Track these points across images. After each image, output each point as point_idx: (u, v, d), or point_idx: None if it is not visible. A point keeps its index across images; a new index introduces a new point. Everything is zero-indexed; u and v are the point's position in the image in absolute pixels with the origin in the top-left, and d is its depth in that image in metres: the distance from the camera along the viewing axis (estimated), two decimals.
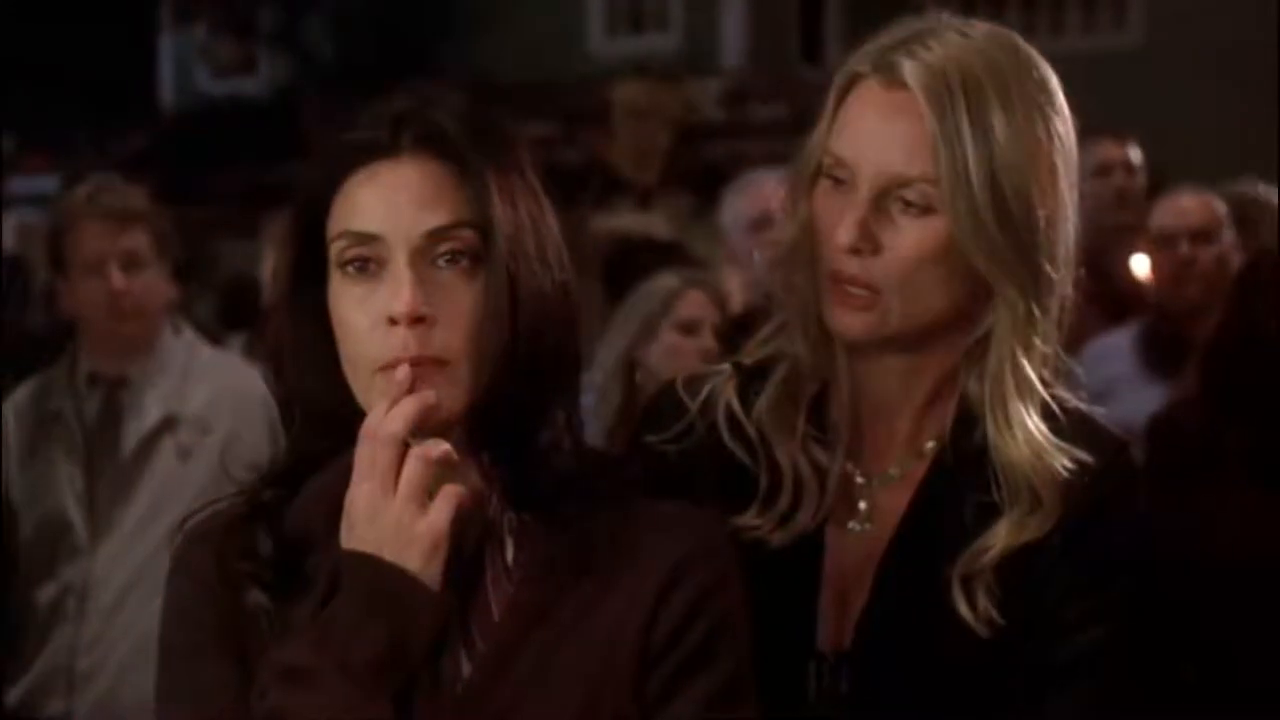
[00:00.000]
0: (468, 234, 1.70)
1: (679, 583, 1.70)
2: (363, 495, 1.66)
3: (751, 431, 1.91)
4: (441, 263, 1.69)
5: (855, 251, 1.84)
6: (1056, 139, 1.86)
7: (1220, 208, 4.75)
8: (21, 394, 3.97)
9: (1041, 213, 1.84)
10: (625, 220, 5.59)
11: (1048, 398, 1.88)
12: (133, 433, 3.85)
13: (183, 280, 4.12)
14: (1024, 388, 1.86)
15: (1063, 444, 1.85)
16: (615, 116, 6.32)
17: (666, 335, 4.11)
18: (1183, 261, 4.67)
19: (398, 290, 1.67)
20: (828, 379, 1.92)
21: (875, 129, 1.85)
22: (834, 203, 1.86)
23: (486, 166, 1.71)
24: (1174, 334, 4.58)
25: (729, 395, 1.93)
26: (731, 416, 1.92)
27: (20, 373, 4.12)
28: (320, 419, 1.75)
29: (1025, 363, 1.86)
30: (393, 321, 1.67)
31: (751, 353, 1.95)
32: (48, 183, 11.47)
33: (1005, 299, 1.85)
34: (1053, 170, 1.85)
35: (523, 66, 14.14)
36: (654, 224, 5.61)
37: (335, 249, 1.72)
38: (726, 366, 1.97)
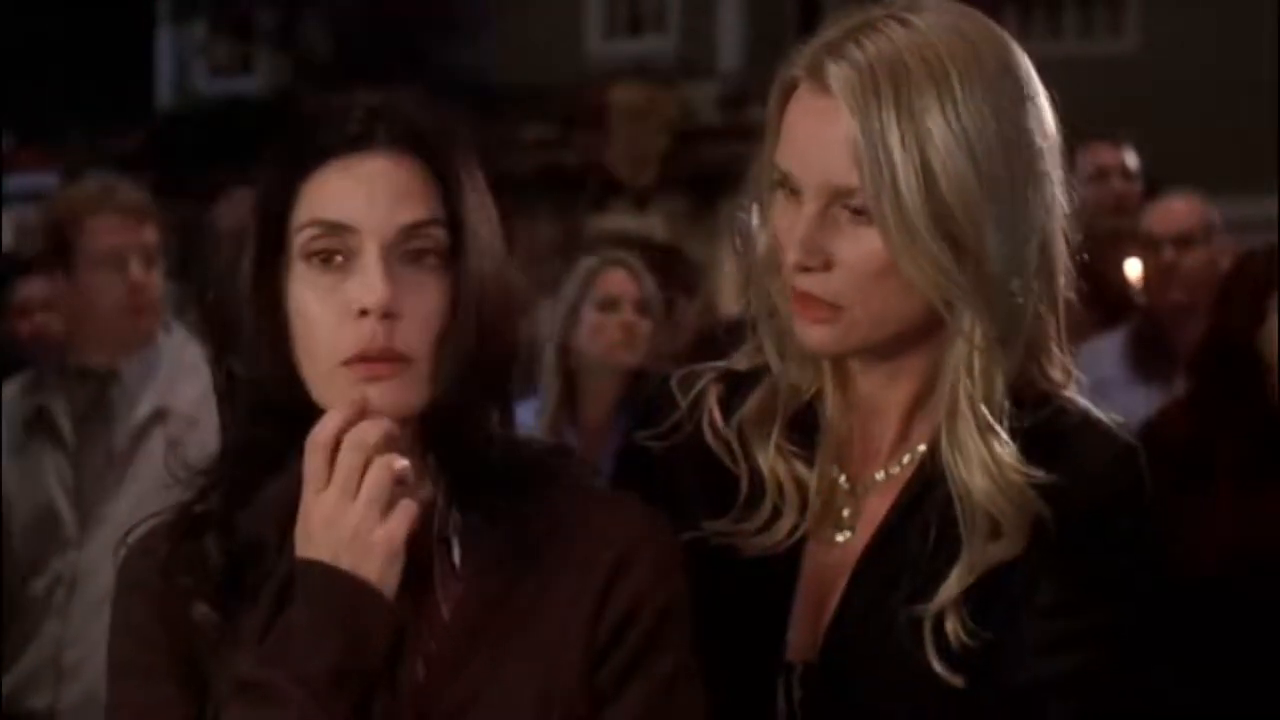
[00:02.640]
0: (438, 231, 1.69)
1: (623, 575, 1.71)
2: (320, 503, 1.64)
3: (732, 438, 1.85)
4: (409, 260, 1.68)
5: (806, 268, 1.74)
6: (1018, 133, 1.72)
7: (1209, 213, 4.76)
8: (10, 390, 3.97)
9: (995, 218, 1.70)
10: (622, 223, 5.61)
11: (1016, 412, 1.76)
12: (124, 426, 3.85)
13: (178, 278, 4.13)
14: (979, 419, 1.74)
15: (1030, 468, 1.73)
16: (612, 119, 6.33)
17: (588, 314, 4.16)
18: (1167, 266, 4.68)
19: (370, 282, 1.66)
20: (812, 390, 1.85)
21: (811, 139, 1.73)
22: (786, 216, 1.76)
23: (457, 165, 1.71)
24: (1161, 338, 4.58)
25: (711, 402, 1.86)
26: (713, 424, 1.86)
27: (15, 369, 4.12)
28: (271, 412, 1.72)
29: (979, 396, 1.74)
30: (362, 313, 1.66)
31: (743, 359, 1.89)
32: (44, 180, 11.46)
33: (956, 322, 1.73)
34: (1012, 167, 1.70)
35: (520, 68, 14.13)
36: (651, 226, 5.63)
37: (302, 238, 1.69)
38: (720, 365, 1.91)
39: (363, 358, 1.66)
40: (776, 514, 1.82)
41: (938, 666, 1.73)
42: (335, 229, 1.68)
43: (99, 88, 16.14)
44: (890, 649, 1.76)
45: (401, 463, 1.65)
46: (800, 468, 1.83)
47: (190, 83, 18.10)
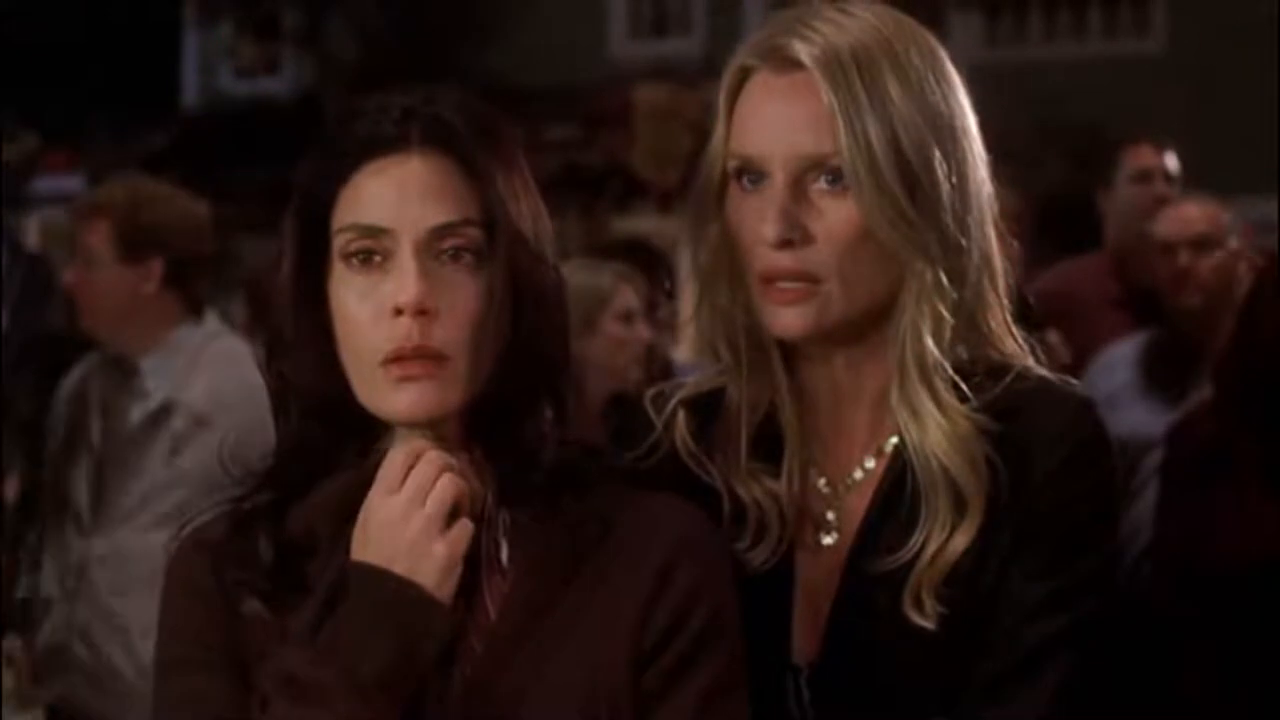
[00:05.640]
0: (473, 231, 1.70)
1: (671, 579, 1.71)
2: (387, 506, 1.67)
3: (705, 460, 1.89)
4: (445, 259, 1.70)
5: (786, 244, 1.80)
6: (955, 104, 1.85)
7: (1224, 216, 4.75)
8: (70, 379, 4.05)
9: (948, 178, 1.81)
10: (646, 223, 5.61)
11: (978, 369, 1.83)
12: (135, 417, 3.88)
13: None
14: (926, 367, 1.81)
15: (978, 414, 1.80)
16: (636, 119, 6.34)
17: (610, 327, 4.13)
18: (1183, 271, 4.67)
19: (404, 281, 1.68)
20: (770, 402, 1.89)
21: (777, 115, 1.82)
22: (750, 205, 1.83)
23: (493, 164, 1.72)
24: (1180, 344, 4.57)
25: (680, 428, 1.91)
26: (686, 448, 1.90)
27: (42, 368, 4.15)
28: (319, 412, 1.75)
29: (930, 341, 1.81)
30: (398, 312, 1.68)
31: (708, 379, 1.93)
32: (71, 182, 11.51)
33: (913, 271, 1.82)
34: (954, 135, 1.84)
35: (545, 69, 14.15)
36: (675, 228, 5.63)
37: (340, 240, 1.72)
38: (687, 382, 1.95)
39: (399, 356, 1.68)
40: (762, 531, 1.86)
41: (914, 618, 1.78)
42: (371, 231, 1.70)
43: (125, 89, 16.20)
44: (886, 641, 1.81)
45: (463, 486, 1.68)
46: (772, 484, 1.87)
47: (216, 84, 18.16)
